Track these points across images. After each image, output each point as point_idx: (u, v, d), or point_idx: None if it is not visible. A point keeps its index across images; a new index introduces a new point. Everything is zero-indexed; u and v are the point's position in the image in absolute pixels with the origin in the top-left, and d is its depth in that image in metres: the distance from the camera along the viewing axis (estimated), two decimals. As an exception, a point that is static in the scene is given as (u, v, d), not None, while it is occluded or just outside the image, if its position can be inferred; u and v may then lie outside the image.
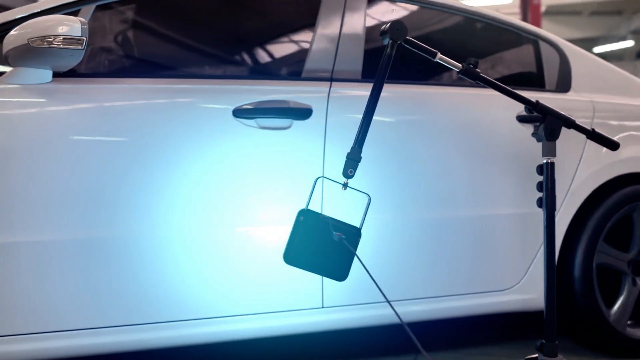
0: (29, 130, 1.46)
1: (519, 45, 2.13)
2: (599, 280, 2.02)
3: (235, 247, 1.61)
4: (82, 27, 1.43)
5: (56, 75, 1.56)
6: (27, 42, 1.42)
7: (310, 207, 1.36)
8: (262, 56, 1.80)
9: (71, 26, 1.42)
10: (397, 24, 1.39)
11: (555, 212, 1.91)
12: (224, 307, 1.62)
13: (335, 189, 1.69)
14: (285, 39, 1.83)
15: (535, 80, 2.11)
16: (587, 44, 18.85)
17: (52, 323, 1.49)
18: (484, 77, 1.46)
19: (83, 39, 1.43)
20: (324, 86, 1.75)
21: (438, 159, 1.81)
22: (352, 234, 1.36)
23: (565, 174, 1.97)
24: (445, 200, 1.81)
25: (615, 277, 2.08)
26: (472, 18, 2.08)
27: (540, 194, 1.47)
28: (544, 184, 1.46)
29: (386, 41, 1.41)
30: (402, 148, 1.77)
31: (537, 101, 1.47)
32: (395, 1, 1.99)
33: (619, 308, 2.02)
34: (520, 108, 1.94)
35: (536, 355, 1.50)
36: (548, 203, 1.46)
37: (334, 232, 1.34)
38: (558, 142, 1.85)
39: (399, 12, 1.99)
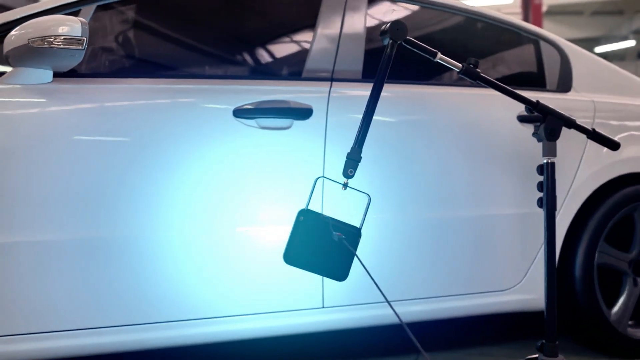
0: (30, 130, 1.46)
1: (519, 45, 2.12)
2: (600, 280, 2.02)
3: (235, 247, 1.61)
4: (82, 28, 1.43)
5: (57, 75, 1.56)
6: (27, 42, 1.42)
7: (310, 207, 1.36)
8: (263, 56, 1.80)
9: (72, 26, 1.42)
10: (397, 24, 1.39)
11: (556, 212, 1.91)
12: (224, 307, 1.62)
13: (336, 189, 1.69)
14: (285, 38, 1.83)
15: (536, 80, 2.11)
16: (588, 43, 18.82)
17: (52, 323, 1.49)
18: (484, 77, 1.46)
19: (83, 39, 1.43)
20: (324, 86, 1.75)
21: (438, 159, 1.81)
22: (352, 234, 1.36)
23: (566, 174, 1.97)
24: (445, 200, 1.81)
25: (616, 277, 2.08)
26: (472, 18, 2.08)
27: (541, 194, 1.47)
28: (545, 184, 1.46)
29: (386, 41, 1.41)
30: (402, 148, 1.77)
31: (537, 101, 1.47)
32: (396, 1, 1.99)
33: (619, 308, 2.02)
34: (520, 108, 1.94)
35: (536, 355, 1.49)
36: (548, 203, 1.45)
37: (334, 232, 1.34)
38: (559, 142, 1.85)
39: (400, 12, 1.99)
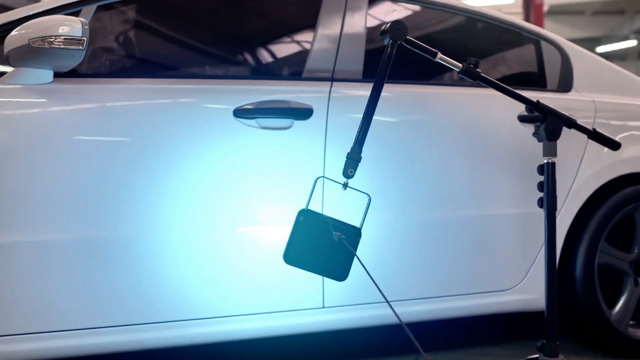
0: (30, 130, 1.46)
1: (520, 45, 2.12)
2: (601, 280, 2.02)
3: (235, 247, 1.61)
4: (83, 28, 1.43)
5: (57, 75, 1.56)
6: (28, 42, 1.42)
7: (310, 207, 1.36)
8: (263, 56, 1.80)
9: (72, 26, 1.42)
10: (397, 24, 1.39)
11: (557, 212, 1.91)
12: (224, 307, 1.62)
13: (336, 189, 1.69)
14: (286, 38, 1.83)
15: (537, 80, 2.10)
16: (589, 43, 18.81)
17: (52, 323, 1.49)
18: (484, 77, 1.46)
19: (84, 40, 1.43)
20: (324, 86, 1.75)
21: (439, 159, 1.81)
22: (352, 234, 1.36)
23: (566, 174, 1.97)
24: (446, 200, 1.81)
25: (617, 277, 2.07)
26: (473, 18, 2.07)
27: (541, 194, 1.47)
28: (545, 184, 1.46)
29: (386, 41, 1.41)
30: (402, 148, 1.77)
31: (538, 101, 1.47)
32: (397, 1, 1.99)
33: (620, 308, 2.02)
34: (521, 108, 1.93)
35: (537, 355, 1.49)
36: (549, 203, 1.45)
37: (334, 232, 1.34)
38: (559, 142, 1.85)
39: (400, 12, 1.99)
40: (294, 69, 1.79)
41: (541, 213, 1.93)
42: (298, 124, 1.68)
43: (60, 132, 1.48)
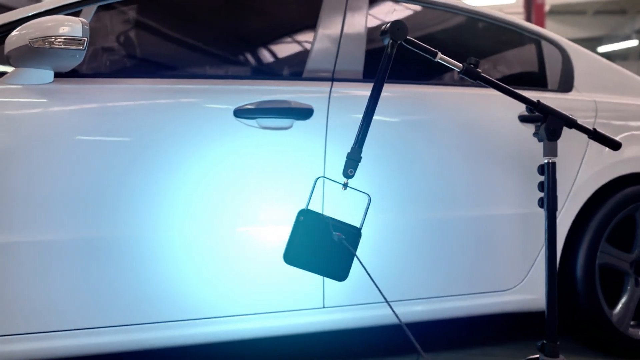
0: (31, 130, 1.46)
1: (521, 45, 2.12)
2: (601, 280, 2.02)
3: (235, 247, 1.61)
4: (83, 28, 1.43)
5: (58, 75, 1.56)
6: (28, 42, 1.42)
7: (310, 207, 1.36)
8: (264, 56, 1.80)
9: (72, 27, 1.43)
10: (397, 24, 1.39)
11: (557, 213, 1.91)
12: (224, 307, 1.62)
13: (336, 189, 1.69)
14: (286, 38, 1.83)
15: (538, 80, 2.10)
16: (591, 43, 18.78)
17: (52, 323, 1.49)
18: (484, 77, 1.46)
19: (84, 40, 1.44)
20: (325, 86, 1.75)
21: (439, 159, 1.80)
22: (352, 234, 1.36)
23: (567, 174, 1.97)
24: (446, 200, 1.81)
25: (617, 277, 2.07)
26: (474, 18, 2.07)
27: (542, 194, 1.47)
28: (546, 184, 1.46)
29: (386, 41, 1.41)
30: (402, 148, 1.77)
31: (538, 101, 1.47)
32: (397, 1, 1.98)
33: (621, 308, 2.02)
34: (521, 108, 1.93)
35: (537, 355, 1.49)
36: (549, 203, 1.45)
37: (334, 232, 1.34)
38: (560, 142, 1.85)
39: (401, 11, 1.99)
40: (294, 69, 1.79)
41: (542, 213, 1.93)
42: (298, 124, 1.68)
43: (61, 132, 1.49)
